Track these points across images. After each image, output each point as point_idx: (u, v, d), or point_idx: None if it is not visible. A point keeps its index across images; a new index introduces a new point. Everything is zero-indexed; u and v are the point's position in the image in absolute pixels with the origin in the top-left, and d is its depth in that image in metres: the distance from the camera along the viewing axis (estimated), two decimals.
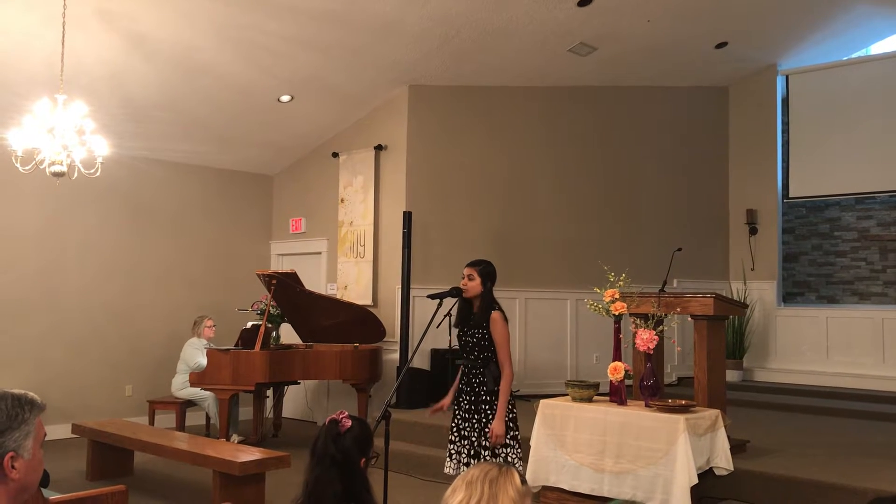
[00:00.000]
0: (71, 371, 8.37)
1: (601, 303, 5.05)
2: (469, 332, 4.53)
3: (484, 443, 4.41)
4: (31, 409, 1.95)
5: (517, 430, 4.53)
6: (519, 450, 4.51)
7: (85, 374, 8.47)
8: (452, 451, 4.53)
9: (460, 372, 4.63)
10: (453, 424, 4.56)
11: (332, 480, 2.55)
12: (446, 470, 4.53)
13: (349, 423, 2.66)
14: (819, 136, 10.07)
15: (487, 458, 4.37)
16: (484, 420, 4.44)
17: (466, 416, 4.49)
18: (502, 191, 8.92)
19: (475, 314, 4.54)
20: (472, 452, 4.41)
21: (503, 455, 4.44)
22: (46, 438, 2.04)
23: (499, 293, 4.66)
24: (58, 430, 7.55)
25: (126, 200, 8.90)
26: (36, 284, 8.20)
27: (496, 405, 4.45)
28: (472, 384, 4.51)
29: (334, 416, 2.70)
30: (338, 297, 8.84)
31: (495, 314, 4.49)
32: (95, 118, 6.10)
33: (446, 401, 4.64)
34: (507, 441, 4.46)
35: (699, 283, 9.56)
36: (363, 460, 2.65)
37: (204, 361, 7.76)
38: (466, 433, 4.47)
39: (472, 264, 4.60)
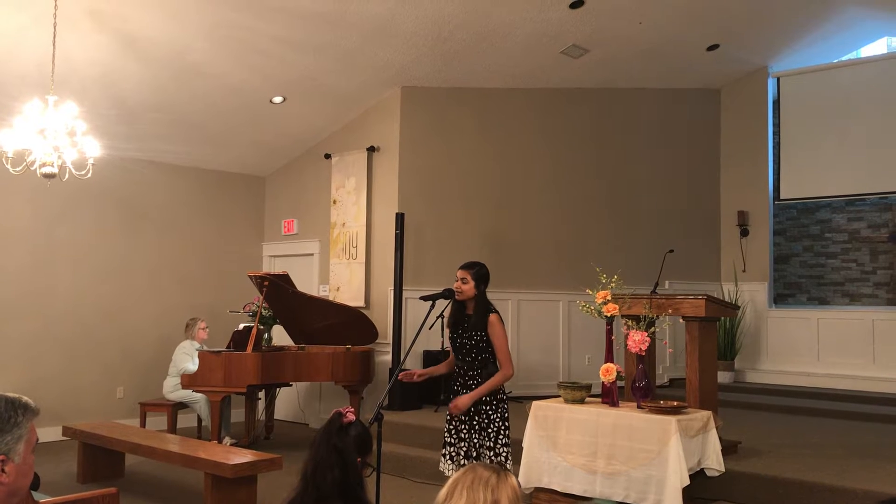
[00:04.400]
0: (62, 373, 8.33)
1: (593, 304, 5.06)
2: (465, 334, 4.53)
3: (488, 443, 4.43)
4: (25, 413, 1.94)
5: (508, 430, 4.55)
6: (510, 451, 4.53)
7: (76, 375, 8.44)
8: (451, 453, 4.52)
9: (454, 371, 4.63)
10: (451, 427, 4.56)
11: (331, 466, 2.61)
12: (441, 468, 4.54)
13: (353, 416, 2.76)
14: (810, 138, 10.11)
15: (491, 459, 4.38)
16: (486, 421, 4.46)
17: (464, 417, 4.49)
18: (495, 192, 8.93)
19: (471, 317, 4.54)
20: (474, 454, 4.41)
21: (503, 455, 4.45)
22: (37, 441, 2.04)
23: (491, 294, 4.66)
24: (48, 433, 7.52)
25: (118, 202, 8.87)
26: (27, 286, 8.17)
27: (495, 406, 4.47)
28: (470, 385, 4.50)
29: (340, 409, 2.78)
30: (330, 298, 8.83)
31: (493, 317, 4.51)
32: (87, 119, 6.08)
33: (419, 371, 4.59)
34: (502, 442, 4.47)
35: (691, 284, 9.59)
36: (359, 460, 2.69)
37: (192, 367, 7.74)
38: (465, 435, 4.48)
39: (465, 267, 4.60)
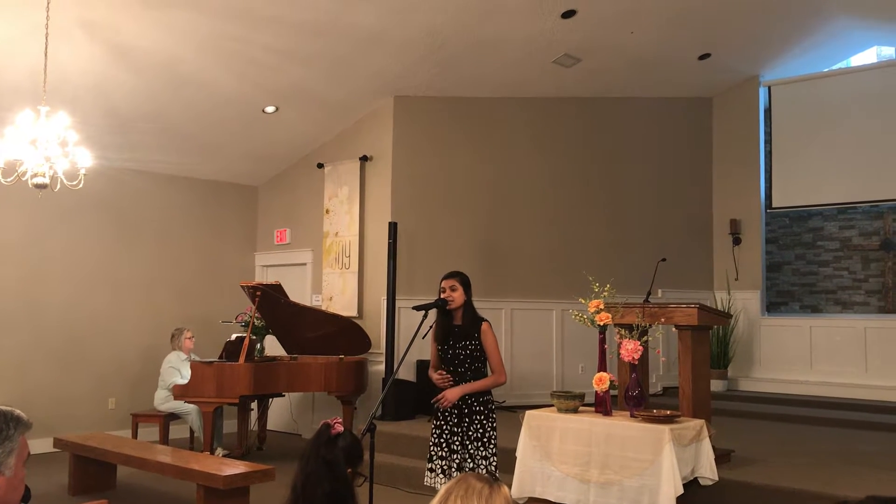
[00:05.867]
0: (53, 384, 8.29)
1: (586, 313, 5.06)
2: (457, 344, 4.53)
3: (483, 452, 4.43)
4: (17, 427, 1.93)
5: (496, 439, 4.55)
6: (496, 460, 4.54)
7: (67, 386, 8.40)
8: (444, 466, 4.49)
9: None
10: (441, 440, 4.54)
11: (321, 479, 2.61)
12: (429, 483, 4.51)
13: (341, 428, 2.74)
14: (801, 147, 10.16)
15: (485, 468, 4.38)
16: (481, 430, 4.46)
17: (457, 429, 4.48)
18: (488, 201, 8.94)
19: (462, 326, 4.55)
20: (469, 465, 4.40)
21: (494, 465, 4.45)
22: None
23: (484, 303, 4.68)
24: (40, 444, 7.46)
25: (110, 212, 8.85)
26: (18, 296, 8.13)
27: (487, 415, 4.48)
28: (462, 396, 4.50)
29: (328, 420, 2.75)
30: (323, 308, 8.81)
31: (485, 325, 4.53)
32: (79, 129, 6.07)
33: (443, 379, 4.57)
34: (492, 451, 4.47)
35: (683, 293, 9.59)
36: (350, 471, 2.68)
37: (180, 381, 7.70)
38: (457, 446, 4.47)
39: (450, 276, 4.62)
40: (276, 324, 8.11)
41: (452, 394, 4.45)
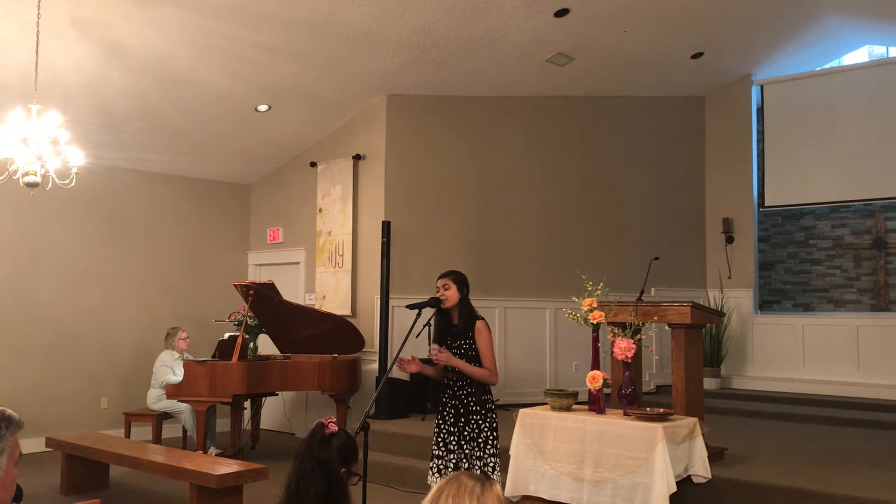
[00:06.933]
0: (45, 383, 8.26)
1: (579, 312, 5.07)
2: (454, 344, 4.53)
3: (478, 453, 4.43)
4: (8, 426, 1.92)
5: (497, 440, 4.54)
6: (499, 461, 4.53)
7: (59, 386, 8.37)
8: (440, 465, 4.49)
9: (443, 382, 4.62)
10: (439, 439, 4.54)
11: (314, 480, 2.61)
12: (429, 481, 4.52)
13: (335, 427, 2.73)
14: (794, 146, 10.19)
15: (480, 468, 4.38)
16: (477, 431, 4.45)
17: (453, 429, 4.48)
18: (481, 200, 8.94)
19: (457, 325, 4.55)
20: (465, 465, 4.40)
21: (491, 465, 4.45)
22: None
23: (478, 302, 4.67)
24: (31, 444, 7.44)
25: (101, 211, 8.82)
26: (9, 295, 8.09)
27: (484, 415, 4.47)
28: (459, 396, 4.50)
29: (322, 419, 2.73)
30: (316, 307, 8.80)
31: (480, 323, 4.52)
32: (70, 128, 6.04)
33: (417, 364, 4.51)
34: (490, 452, 4.47)
35: (676, 291, 9.62)
36: (344, 470, 2.68)
37: (174, 378, 7.69)
38: (454, 446, 4.47)
39: (444, 275, 4.62)
40: (270, 323, 8.10)
41: (447, 355, 4.43)
